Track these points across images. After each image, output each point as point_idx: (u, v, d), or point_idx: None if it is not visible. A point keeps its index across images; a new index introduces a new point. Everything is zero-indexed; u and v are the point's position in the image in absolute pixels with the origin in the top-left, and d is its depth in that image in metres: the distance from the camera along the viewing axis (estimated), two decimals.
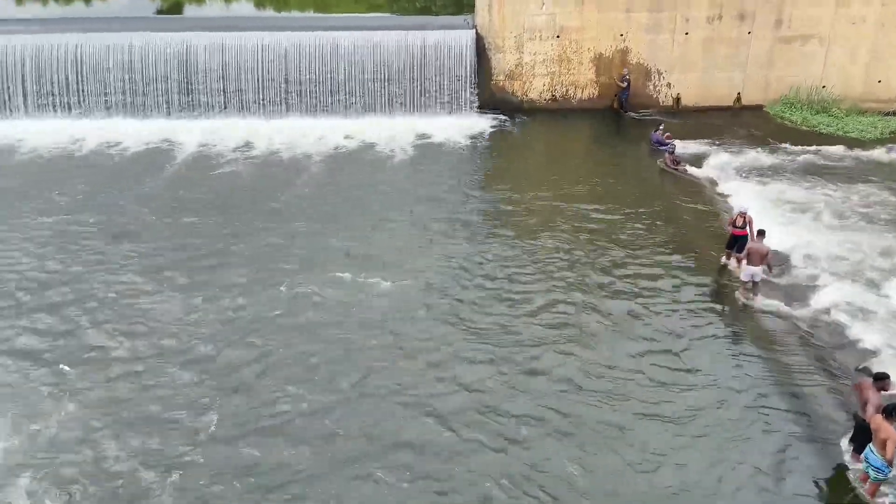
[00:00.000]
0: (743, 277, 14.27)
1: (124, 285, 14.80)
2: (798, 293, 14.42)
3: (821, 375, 12.30)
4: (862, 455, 10.02)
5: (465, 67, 23.53)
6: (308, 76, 23.39)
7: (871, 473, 9.83)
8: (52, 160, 20.94)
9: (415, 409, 11.59)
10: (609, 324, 13.56)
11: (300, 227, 17.04)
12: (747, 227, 14.88)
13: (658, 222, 17.10)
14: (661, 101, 24.27)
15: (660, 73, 23.93)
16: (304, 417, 11.43)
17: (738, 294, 14.35)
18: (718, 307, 14.17)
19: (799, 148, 20.96)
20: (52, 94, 23.39)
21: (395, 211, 17.78)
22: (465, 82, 23.63)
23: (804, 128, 22.51)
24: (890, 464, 9.56)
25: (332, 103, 23.57)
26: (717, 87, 23.96)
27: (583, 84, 24.18)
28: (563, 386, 12.02)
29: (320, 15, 31.93)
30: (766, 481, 10.29)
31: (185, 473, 10.44)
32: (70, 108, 23.47)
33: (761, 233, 14.21)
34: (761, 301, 14.09)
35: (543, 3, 23.10)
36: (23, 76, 23.28)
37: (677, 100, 24.21)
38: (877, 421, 9.72)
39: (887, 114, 23.18)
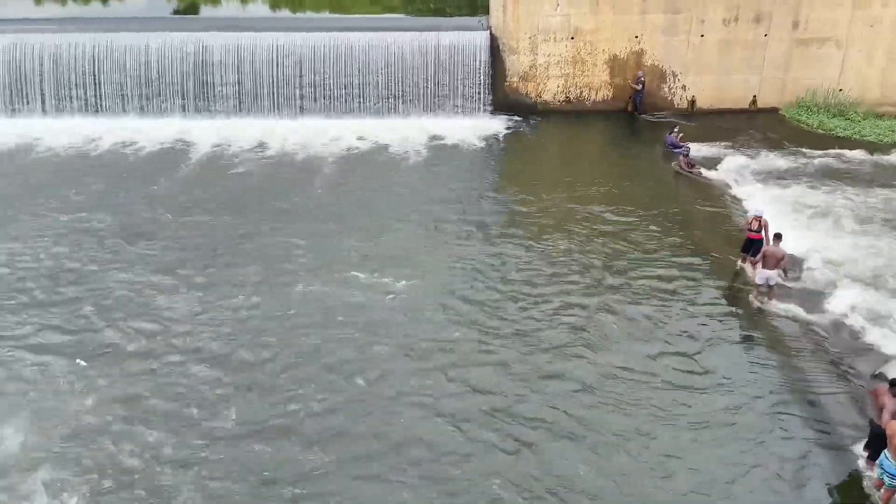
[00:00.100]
0: (758, 281, 14.18)
1: (139, 283, 14.90)
2: (814, 298, 14.30)
3: (836, 381, 12.19)
4: (877, 461, 9.93)
5: (479, 69, 23.54)
6: (322, 77, 23.48)
7: (886, 480, 9.74)
8: (69, 158, 21.12)
9: (426, 409, 11.59)
10: (623, 327, 13.51)
11: (314, 227, 17.09)
12: (762, 231, 14.79)
13: (672, 225, 17.02)
14: (675, 103, 24.17)
15: (675, 75, 23.83)
16: (316, 417, 11.46)
17: (752, 298, 14.26)
18: (733, 311, 14.08)
19: (815, 151, 20.80)
20: (70, 93, 23.62)
21: (408, 212, 17.80)
22: (479, 84, 23.64)
23: (820, 131, 22.35)
24: None
25: (346, 104, 23.65)
26: (733, 89, 23.83)
27: (597, 86, 24.12)
28: (576, 389, 11.97)
29: (335, 16, 31.99)
30: (781, 486, 10.22)
31: (196, 470, 10.49)
32: (87, 108, 23.67)
33: (778, 236, 14.10)
34: (776, 305, 13.99)
35: (558, 5, 23.06)
36: (41, 75, 23.52)
37: (692, 102, 24.10)
38: (892, 427, 9.63)
39: None
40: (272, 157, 21.16)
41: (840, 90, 23.33)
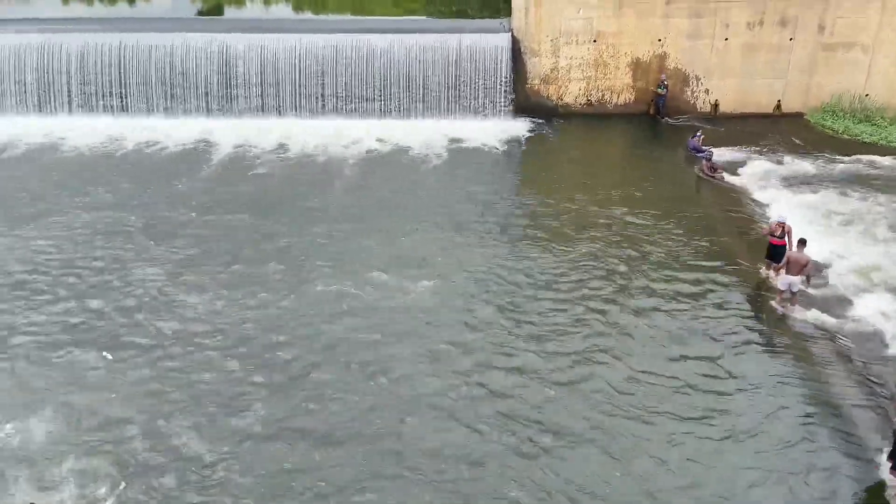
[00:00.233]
0: (781, 287, 14.03)
1: (162, 281, 15.05)
2: (837, 304, 14.13)
3: (859, 389, 12.02)
4: None
5: (501, 71, 23.52)
6: (344, 78, 23.59)
7: None
8: (94, 157, 21.39)
9: (445, 412, 11.58)
10: (644, 332, 13.41)
11: (334, 227, 17.15)
12: (786, 237, 14.62)
13: (695, 230, 16.88)
14: (698, 107, 24.00)
15: (698, 79, 23.66)
16: (335, 417, 11.49)
17: (776, 304, 14.10)
18: (757, 317, 13.93)
19: (840, 157, 20.55)
20: (96, 93, 23.92)
21: (429, 214, 17.81)
22: (500, 86, 23.61)
23: (846, 137, 22.07)
24: None
25: (367, 105, 23.73)
26: (757, 93, 23.61)
27: (619, 89, 24.01)
28: (597, 395, 11.90)
29: (357, 17, 32.14)
30: (802, 493, 10.09)
31: (215, 466, 10.57)
32: (112, 107, 23.97)
33: (802, 242, 13.92)
34: (800, 311, 13.83)
35: (580, 8, 22.99)
36: (68, 74, 23.84)
37: (715, 106, 23.91)
38: None
39: None
40: (293, 158, 21.28)
41: (866, 95, 23.04)
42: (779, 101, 23.64)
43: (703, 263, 15.57)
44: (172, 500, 10.12)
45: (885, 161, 20.34)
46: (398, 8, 33.62)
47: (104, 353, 12.92)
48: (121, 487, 10.27)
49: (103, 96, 23.93)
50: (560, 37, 23.38)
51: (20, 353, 12.94)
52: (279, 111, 23.82)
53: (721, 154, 20.58)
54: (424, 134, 22.63)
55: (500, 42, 23.49)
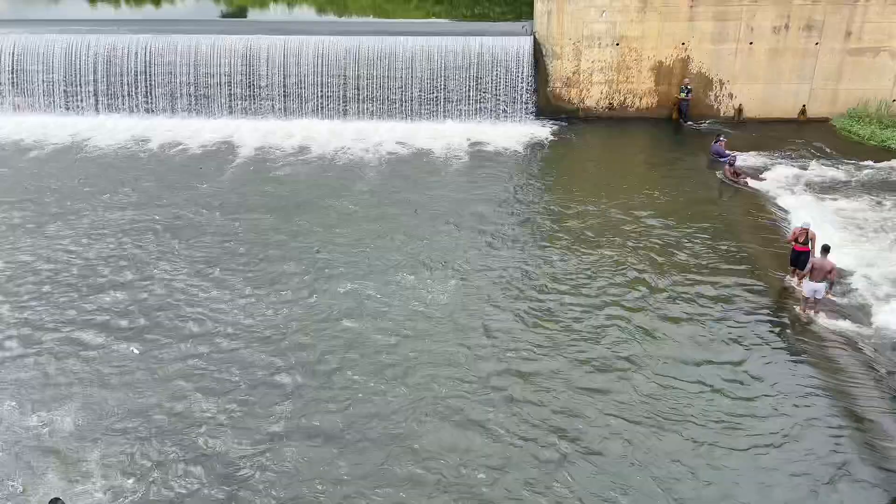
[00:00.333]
0: (805, 293, 13.88)
1: (187, 279, 15.22)
2: (862, 312, 13.96)
3: (882, 398, 11.84)
4: None
5: (522, 74, 23.53)
6: (366, 80, 23.73)
7: None
8: (119, 157, 21.68)
9: (463, 416, 11.57)
10: (667, 338, 13.32)
11: (356, 229, 17.23)
12: (809, 243, 14.47)
13: (718, 235, 16.76)
14: (722, 111, 23.83)
15: (722, 83, 23.50)
16: (353, 418, 11.53)
17: (800, 310, 13.95)
18: (781, 323, 13.78)
19: (866, 163, 20.28)
20: (122, 93, 24.25)
21: (450, 216, 17.83)
22: (522, 89, 23.62)
23: (872, 143, 21.79)
24: None
25: (389, 107, 23.85)
26: (782, 98, 23.41)
27: (641, 93, 23.91)
28: (618, 401, 11.83)
29: (380, 20, 32.32)
30: (825, 502, 9.98)
31: (236, 465, 10.66)
32: (137, 108, 24.28)
33: (826, 248, 13.77)
34: (824, 318, 13.67)
35: (604, 11, 22.93)
36: (94, 75, 24.19)
37: (739, 111, 23.73)
38: None
39: None
40: (316, 159, 21.41)
41: (894, 101, 22.74)
42: (804, 106, 23.41)
43: (727, 268, 15.44)
44: (195, 494, 10.22)
45: None
46: (420, 11, 33.76)
47: (131, 348, 13.13)
48: (146, 480, 10.39)
49: (129, 97, 24.27)
50: (582, 40, 23.33)
51: (48, 348, 13.17)
52: (302, 113, 24.00)
53: (744, 159, 20.41)
54: (446, 136, 22.68)
55: (522, 45, 23.49)
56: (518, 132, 23.02)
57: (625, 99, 24.03)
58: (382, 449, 10.96)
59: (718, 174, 19.96)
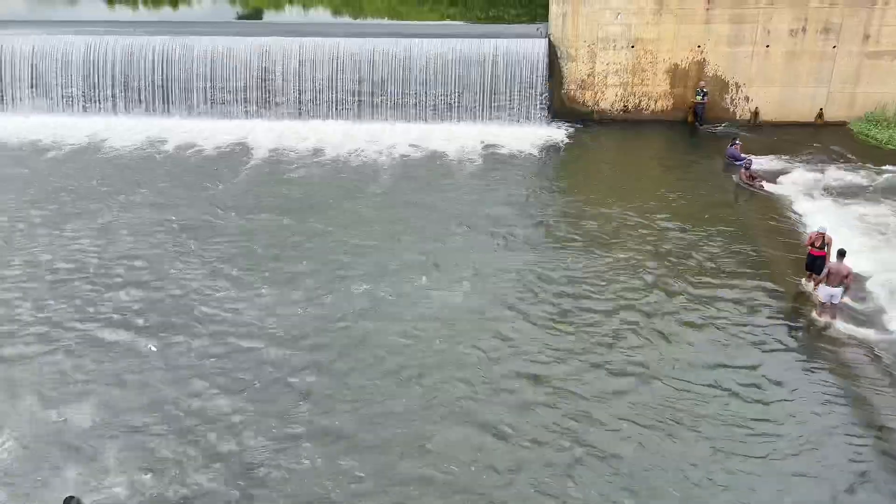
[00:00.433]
0: (821, 298, 13.78)
1: (202, 279, 15.30)
2: (879, 317, 13.83)
3: None
4: None
5: (537, 76, 23.50)
6: (381, 82, 23.78)
7: None
8: (135, 158, 21.83)
9: (475, 419, 11.55)
10: (682, 342, 13.25)
11: (370, 230, 17.27)
12: (826, 248, 14.36)
13: (733, 239, 16.66)
14: (738, 114, 23.70)
15: (738, 86, 23.38)
16: (365, 420, 11.54)
17: (816, 315, 13.85)
18: (797, 328, 13.69)
19: (884, 167, 20.08)
20: (139, 94, 24.45)
21: (464, 218, 17.82)
22: (536, 91, 23.60)
23: (890, 147, 21.59)
24: None
25: (404, 109, 23.89)
26: (798, 101, 23.26)
27: (656, 95, 23.83)
28: (633, 406, 11.77)
29: (394, 22, 32.37)
30: None
31: (251, 465, 10.71)
32: (154, 109, 24.46)
33: (842, 253, 13.68)
34: (840, 323, 13.57)
35: (619, 14, 22.88)
36: (112, 76, 24.40)
37: (755, 114, 23.59)
38: None
39: None
40: (330, 161, 21.48)
41: None
42: (821, 109, 23.24)
43: (742, 272, 15.35)
44: (210, 492, 10.27)
45: None
46: (435, 13, 33.80)
47: (149, 346, 13.25)
48: (162, 477, 10.46)
49: (146, 98, 24.46)
50: (597, 42, 23.29)
51: (66, 346, 13.29)
52: (316, 114, 24.09)
53: (760, 163, 20.29)
54: (460, 139, 22.69)
55: (536, 47, 23.47)
56: (532, 135, 22.99)
57: (640, 102, 23.96)
58: (395, 449, 10.97)
59: (734, 178, 19.86)
